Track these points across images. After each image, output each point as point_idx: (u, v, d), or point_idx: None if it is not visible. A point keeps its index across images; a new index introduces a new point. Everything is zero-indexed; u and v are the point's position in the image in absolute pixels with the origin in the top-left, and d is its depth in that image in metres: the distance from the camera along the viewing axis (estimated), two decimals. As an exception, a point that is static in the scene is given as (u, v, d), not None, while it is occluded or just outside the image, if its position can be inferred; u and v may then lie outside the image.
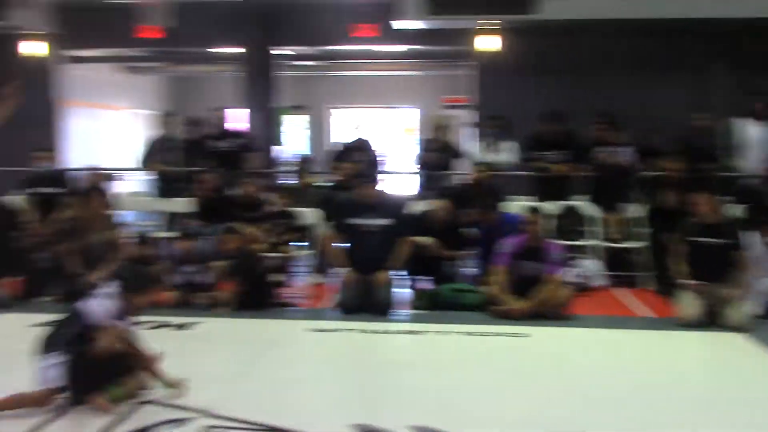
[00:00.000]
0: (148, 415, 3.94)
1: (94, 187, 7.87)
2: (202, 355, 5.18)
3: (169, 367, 4.41)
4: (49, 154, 8.84)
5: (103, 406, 3.93)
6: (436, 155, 8.67)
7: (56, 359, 4.01)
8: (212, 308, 6.49)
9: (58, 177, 8.59)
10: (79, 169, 9.10)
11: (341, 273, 6.73)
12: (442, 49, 12.39)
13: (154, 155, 9.15)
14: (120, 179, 11.38)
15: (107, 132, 14.51)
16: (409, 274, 7.23)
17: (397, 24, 10.17)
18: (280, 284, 7.31)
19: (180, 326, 5.94)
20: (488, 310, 6.45)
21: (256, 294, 6.57)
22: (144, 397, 4.14)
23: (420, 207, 8.03)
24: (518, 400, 4.37)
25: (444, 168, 8.63)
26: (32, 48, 11.75)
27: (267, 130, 11.94)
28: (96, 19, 11.52)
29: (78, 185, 8.42)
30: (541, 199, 8.21)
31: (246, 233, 7.22)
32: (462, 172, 8.98)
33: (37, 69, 11.87)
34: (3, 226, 7.02)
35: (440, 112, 9.74)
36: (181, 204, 8.57)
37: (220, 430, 3.79)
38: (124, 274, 4.38)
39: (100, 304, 4.13)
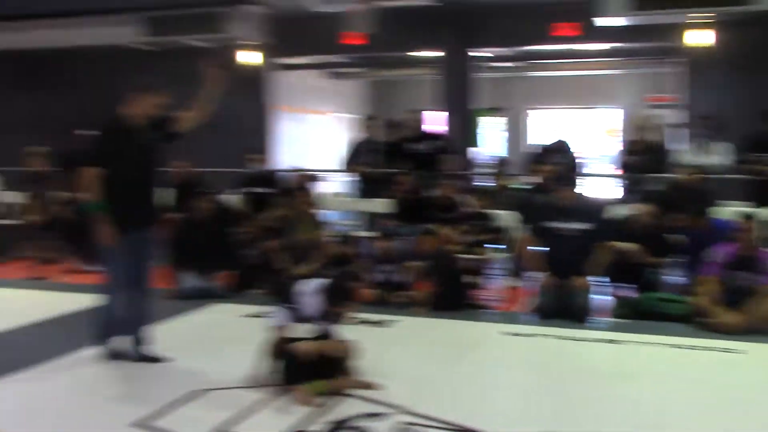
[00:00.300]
0: (347, 408, 4.09)
1: (300, 187, 8.32)
2: (398, 352, 5.29)
3: (366, 362, 4.56)
4: (262, 157, 9.42)
5: (306, 400, 4.14)
6: (640, 157, 8.28)
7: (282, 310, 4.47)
8: (409, 307, 6.62)
9: (270, 178, 9.16)
10: (287, 170, 9.62)
11: (538, 277, 6.61)
12: (647, 45, 11.85)
13: (357, 157, 9.50)
14: (324, 180, 11.94)
15: (313, 135, 15.26)
16: (610, 281, 6.97)
17: (599, 21, 9.83)
18: (475, 286, 7.32)
19: (378, 323, 6.12)
20: (696, 322, 6.06)
21: (452, 295, 6.61)
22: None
23: (623, 211, 7.72)
24: (727, 419, 4.07)
25: (649, 171, 8.23)
26: (247, 57, 12.63)
27: (464, 132, 12.00)
28: (303, 28, 12.16)
29: (286, 185, 8.94)
30: (759, 205, 7.60)
31: (443, 234, 7.31)
32: (669, 175, 8.52)
33: (252, 77, 12.73)
34: (220, 223, 7.57)
35: (644, 111, 9.28)
36: (380, 204, 8.83)
37: (416, 427, 3.85)
38: (334, 285, 4.58)
39: (312, 296, 4.39)
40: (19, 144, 9.70)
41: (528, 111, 17.13)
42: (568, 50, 12.77)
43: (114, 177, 4.79)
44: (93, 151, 4.90)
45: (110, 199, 4.78)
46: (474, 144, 13.23)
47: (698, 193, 7.27)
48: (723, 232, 6.51)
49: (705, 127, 8.17)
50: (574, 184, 6.70)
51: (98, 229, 4.79)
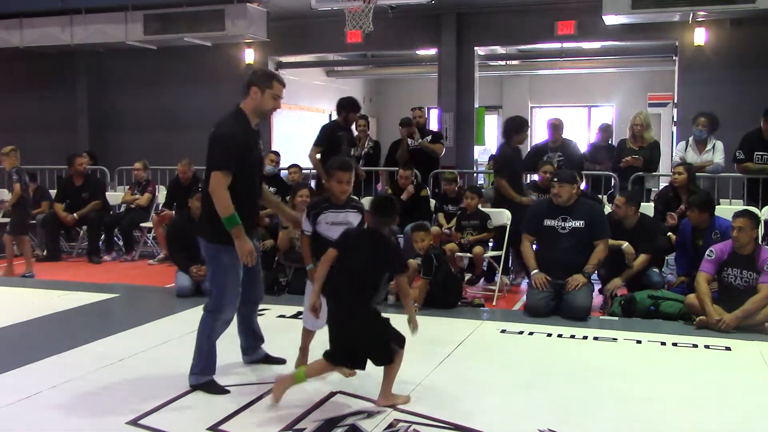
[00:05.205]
0: (337, 406, 4.12)
1: (299, 185, 8.34)
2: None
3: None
4: (275, 157, 9.33)
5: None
6: (635, 155, 8.28)
7: None
8: (402, 305, 6.63)
9: (277, 177, 9.16)
10: (286, 168, 9.53)
11: (532, 275, 6.63)
12: (646, 44, 11.90)
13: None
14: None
15: (310, 133, 15.28)
16: (604, 278, 6.99)
17: (607, 19, 9.87)
18: (470, 283, 7.36)
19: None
20: (689, 319, 6.09)
21: (446, 292, 6.63)
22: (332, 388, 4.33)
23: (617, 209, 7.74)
24: (714, 416, 4.11)
25: (643, 169, 8.24)
26: (247, 55, 12.68)
27: (464, 130, 12.03)
28: (301, 26, 12.19)
29: (286, 184, 8.93)
30: (755, 203, 7.62)
31: (437, 231, 7.33)
32: (663, 173, 8.55)
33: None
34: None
35: (639, 110, 9.33)
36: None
37: (407, 425, 3.87)
38: None
39: None
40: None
41: (527, 109, 17.15)
42: (566, 49, 12.82)
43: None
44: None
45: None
46: (480, 142, 13.26)
47: (692, 191, 7.28)
48: (719, 230, 6.54)
49: (699, 125, 8.13)
50: (570, 182, 6.71)
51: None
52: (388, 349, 4.05)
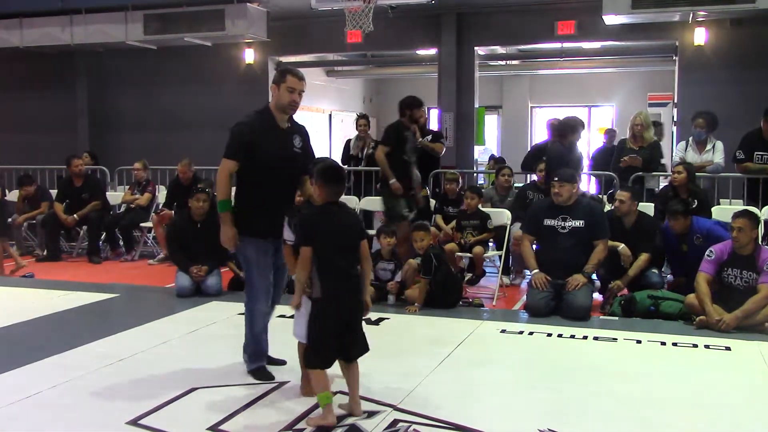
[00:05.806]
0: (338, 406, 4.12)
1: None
2: (391, 350, 5.31)
3: (360, 361, 4.57)
4: None
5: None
6: (634, 155, 8.27)
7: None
8: (405, 305, 6.64)
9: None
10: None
11: (532, 275, 6.63)
12: (646, 44, 11.90)
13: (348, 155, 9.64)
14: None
15: (313, 133, 15.29)
16: (603, 278, 6.99)
17: (607, 19, 9.87)
18: (470, 283, 7.35)
19: (371, 322, 6.13)
20: (689, 319, 6.09)
21: (446, 292, 6.63)
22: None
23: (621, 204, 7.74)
24: (714, 416, 4.11)
25: (643, 169, 8.23)
26: (247, 55, 12.68)
27: (464, 130, 12.03)
28: (302, 26, 12.19)
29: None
30: (755, 203, 7.62)
31: (437, 232, 7.32)
32: (663, 173, 8.54)
33: (252, 74, 12.76)
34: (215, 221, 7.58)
35: (639, 110, 9.32)
36: (372, 202, 8.85)
37: (407, 425, 3.87)
38: None
39: None
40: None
41: (527, 109, 17.16)
42: (566, 48, 12.81)
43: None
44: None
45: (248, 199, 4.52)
46: (480, 142, 13.26)
47: (691, 191, 7.28)
48: (719, 229, 6.54)
49: (698, 125, 8.12)
50: (570, 182, 6.70)
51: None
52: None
